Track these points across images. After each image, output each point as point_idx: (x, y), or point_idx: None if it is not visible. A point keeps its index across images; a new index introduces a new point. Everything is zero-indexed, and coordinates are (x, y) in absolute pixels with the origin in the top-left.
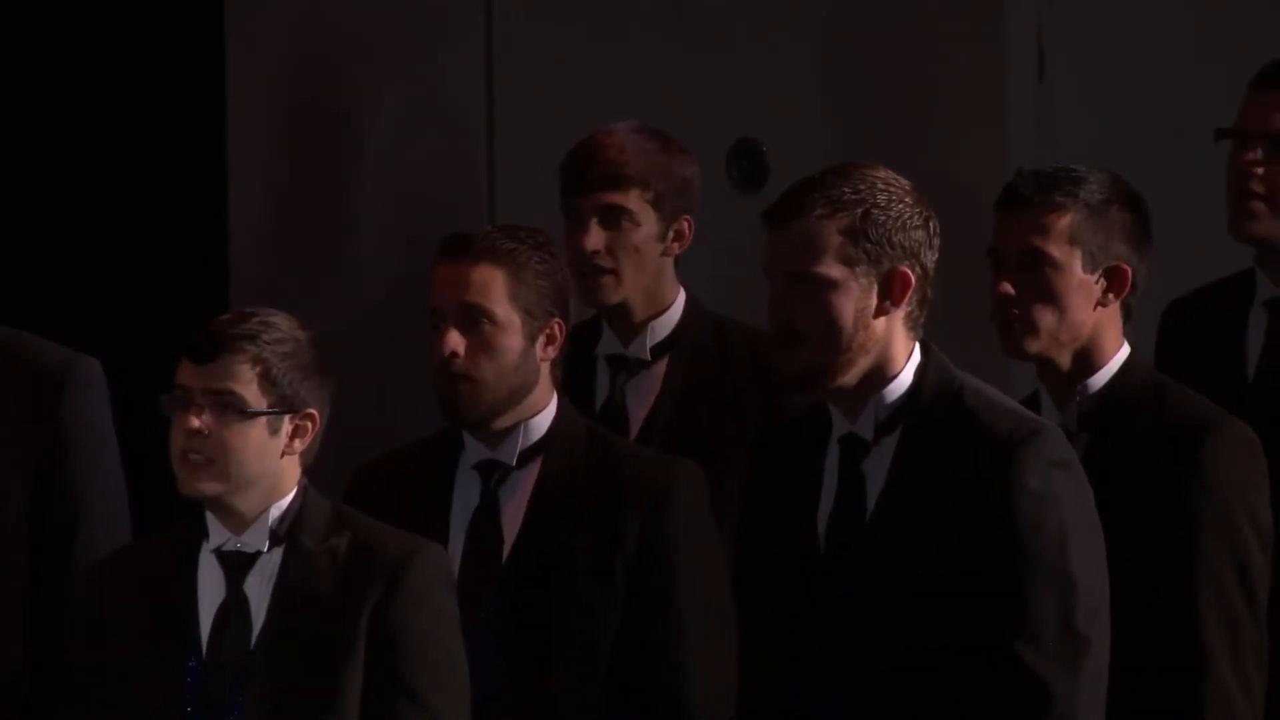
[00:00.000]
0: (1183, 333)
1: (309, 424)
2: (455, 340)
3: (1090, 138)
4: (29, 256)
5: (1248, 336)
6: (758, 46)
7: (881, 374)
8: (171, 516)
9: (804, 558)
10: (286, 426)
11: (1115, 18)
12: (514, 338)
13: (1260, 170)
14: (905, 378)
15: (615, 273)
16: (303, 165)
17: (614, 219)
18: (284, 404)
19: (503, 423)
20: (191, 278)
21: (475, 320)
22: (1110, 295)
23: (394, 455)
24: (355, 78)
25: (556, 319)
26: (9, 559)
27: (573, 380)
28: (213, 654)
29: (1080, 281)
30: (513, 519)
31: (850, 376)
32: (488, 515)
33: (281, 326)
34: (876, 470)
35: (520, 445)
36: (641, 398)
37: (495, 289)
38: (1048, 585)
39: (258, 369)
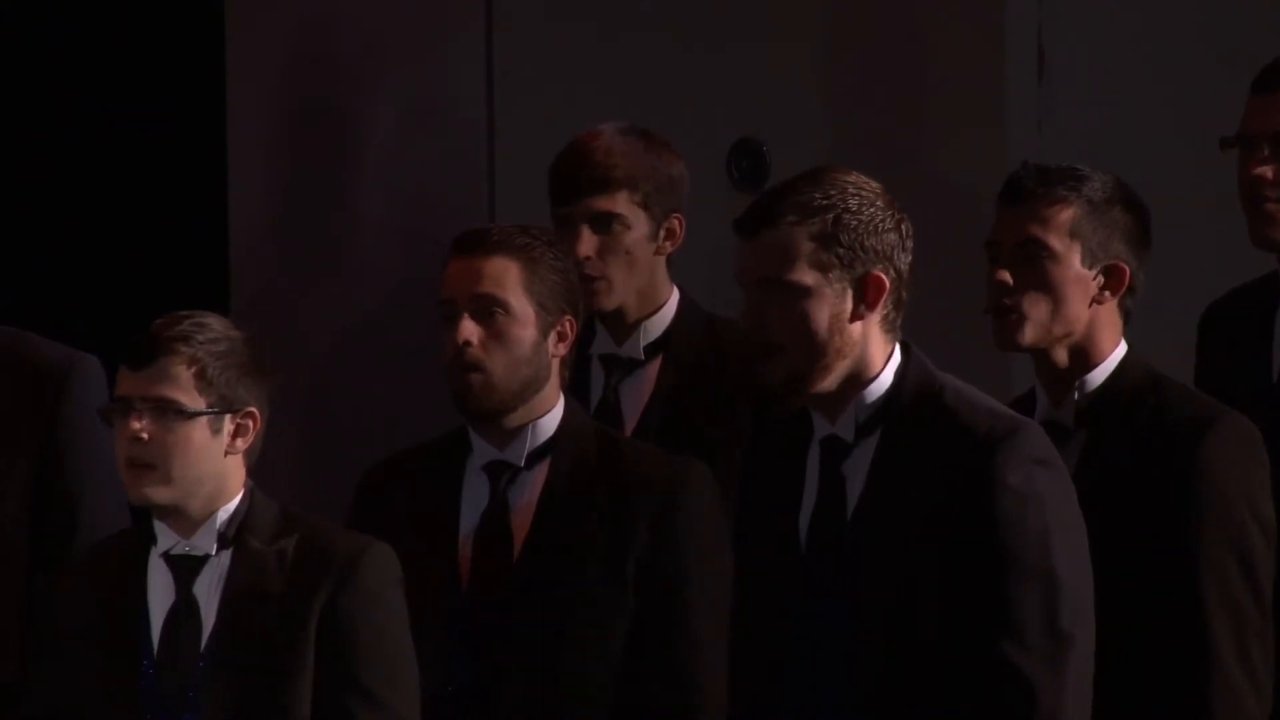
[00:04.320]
0: (1216, 334)
1: (250, 422)
2: (469, 329)
3: (1090, 138)
4: (29, 256)
5: (1274, 336)
6: (758, 46)
7: (860, 377)
8: None
9: (786, 559)
10: (228, 426)
11: (1115, 18)
12: (528, 329)
13: (1270, 173)
14: (885, 379)
15: (607, 279)
16: (303, 165)
17: (605, 224)
18: (223, 403)
19: (512, 421)
20: (191, 278)
21: (490, 311)
22: (1107, 293)
23: (402, 455)
24: (355, 78)
25: (568, 316)
26: (8, 556)
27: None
28: (164, 657)
29: (1077, 275)
30: (522, 519)
31: (829, 382)
32: (497, 516)
33: (215, 327)
34: (857, 471)
35: (529, 446)
36: (635, 397)
37: (510, 280)
38: (1030, 583)
39: (193, 369)
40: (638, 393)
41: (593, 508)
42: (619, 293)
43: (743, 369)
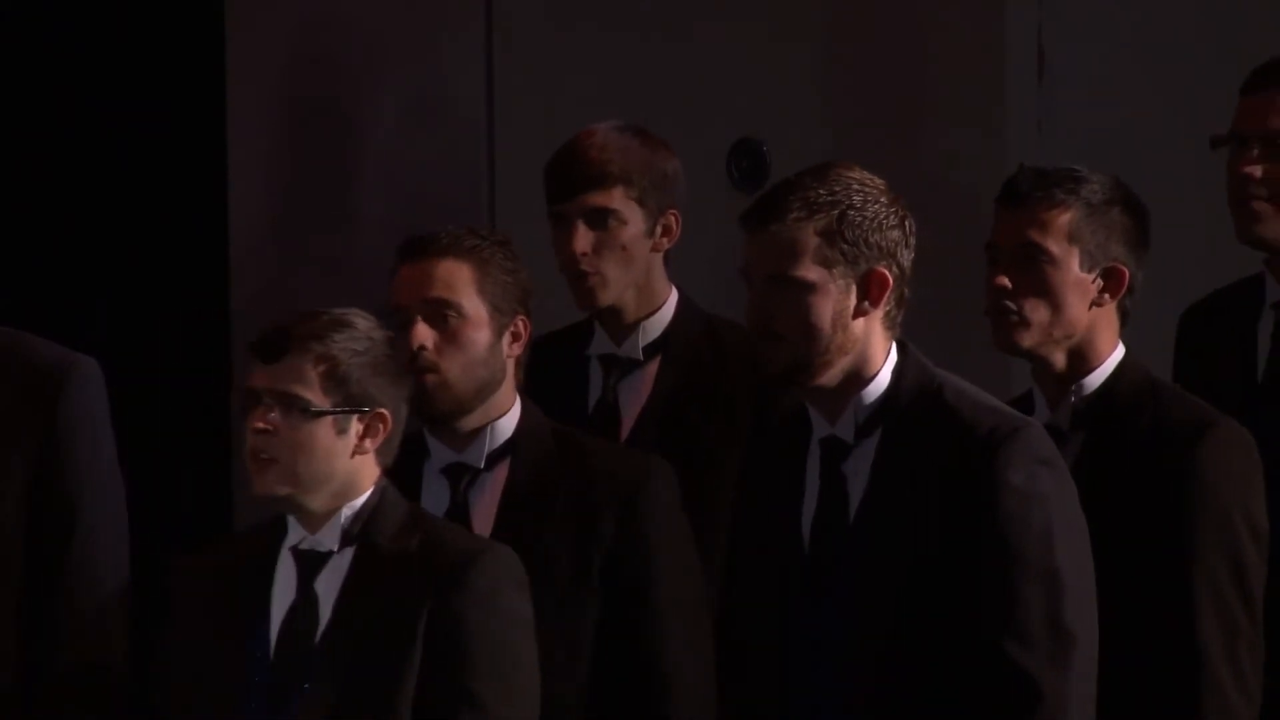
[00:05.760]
0: (1196, 336)
1: (380, 423)
2: (424, 333)
3: (1090, 138)
4: (29, 256)
5: (1257, 339)
6: (758, 46)
7: (860, 375)
8: (169, 514)
9: (789, 561)
10: (355, 426)
11: (1115, 18)
12: (482, 331)
13: (1260, 172)
14: (883, 378)
15: (601, 274)
16: (303, 165)
17: (600, 220)
18: (350, 403)
19: (469, 423)
20: (191, 278)
21: (442, 315)
22: (1106, 295)
23: None
24: (355, 77)
25: (521, 316)
26: (6, 557)
27: (565, 381)
28: (280, 651)
29: (1076, 279)
30: (483, 521)
31: (830, 377)
32: (459, 518)
33: (358, 325)
34: (858, 472)
35: (488, 447)
36: (634, 398)
37: (461, 283)
38: (1034, 582)
39: (321, 368)
40: (636, 393)
41: (555, 507)
42: (615, 289)
43: (742, 369)
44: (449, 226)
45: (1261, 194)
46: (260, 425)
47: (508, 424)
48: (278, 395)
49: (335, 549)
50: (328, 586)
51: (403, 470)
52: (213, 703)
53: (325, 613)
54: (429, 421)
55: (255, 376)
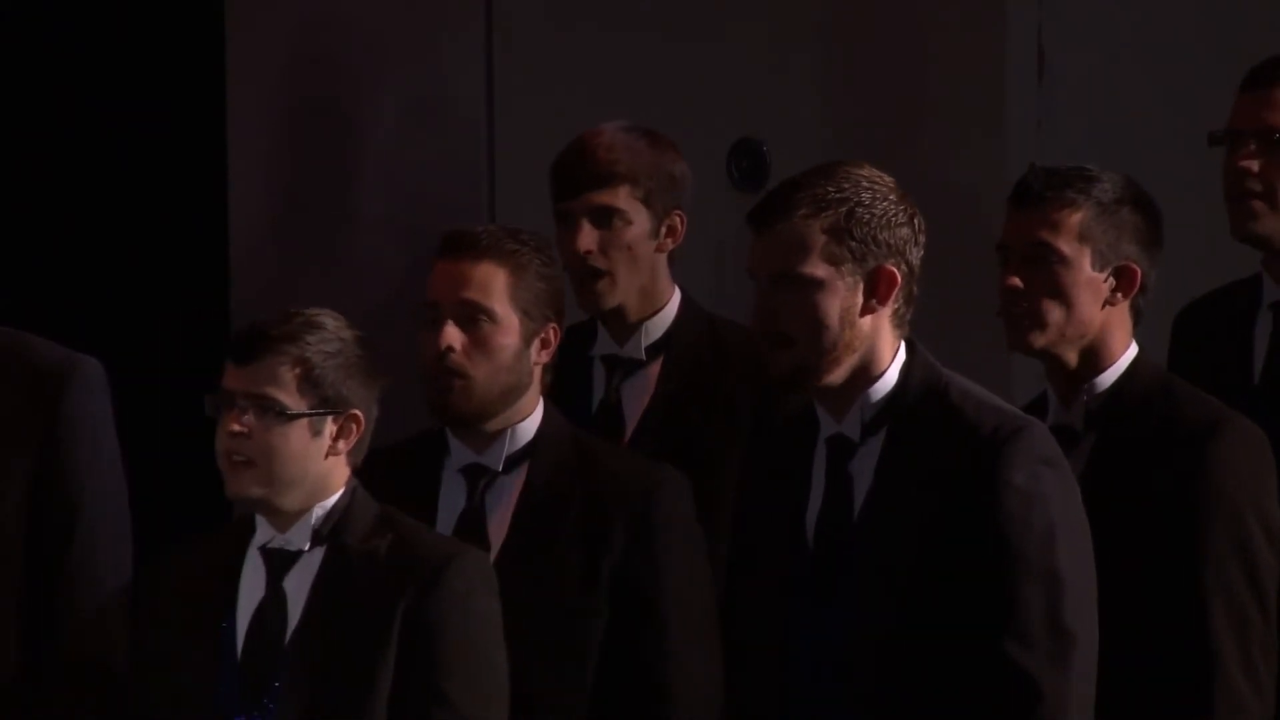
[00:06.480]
0: (1192, 335)
1: (353, 425)
2: (453, 334)
3: (1090, 138)
4: (29, 256)
5: (1254, 339)
6: (758, 47)
7: (868, 372)
8: (169, 514)
9: (793, 559)
10: (329, 427)
11: (1115, 18)
12: (511, 337)
13: (1256, 168)
14: (891, 376)
15: (610, 275)
16: (303, 165)
17: (605, 219)
18: (325, 405)
19: (491, 426)
20: (191, 278)
21: (474, 317)
22: (1118, 295)
23: (378, 455)
24: (356, 77)
25: (552, 323)
26: (7, 557)
27: (568, 381)
28: (249, 650)
29: (1088, 279)
30: (499, 524)
31: (837, 376)
32: (474, 519)
33: (327, 325)
34: (863, 470)
35: (507, 450)
36: (636, 398)
37: (496, 287)
38: (1035, 582)
39: (297, 370)
40: (639, 393)
41: (569, 514)
42: (621, 289)
43: (744, 369)
44: (490, 226)
45: (1256, 189)
46: (235, 428)
47: (528, 428)
48: (253, 398)
49: (305, 548)
50: (297, 586)
51: (422, 467)
52: (183, 702)
53: (295, 612)
54: (449, 424)
55: (229, 378)
